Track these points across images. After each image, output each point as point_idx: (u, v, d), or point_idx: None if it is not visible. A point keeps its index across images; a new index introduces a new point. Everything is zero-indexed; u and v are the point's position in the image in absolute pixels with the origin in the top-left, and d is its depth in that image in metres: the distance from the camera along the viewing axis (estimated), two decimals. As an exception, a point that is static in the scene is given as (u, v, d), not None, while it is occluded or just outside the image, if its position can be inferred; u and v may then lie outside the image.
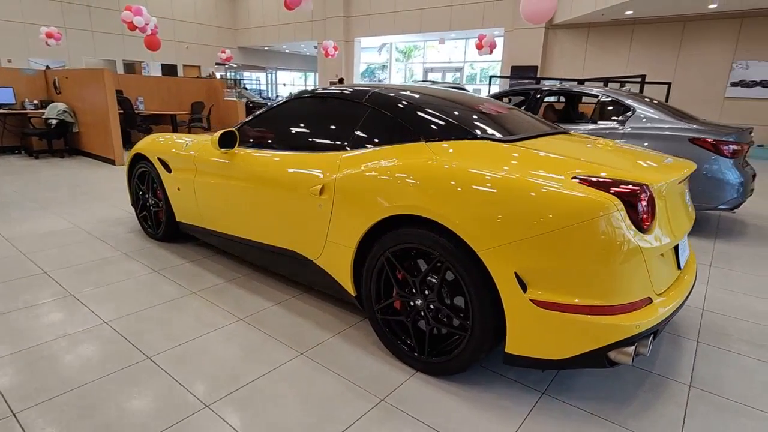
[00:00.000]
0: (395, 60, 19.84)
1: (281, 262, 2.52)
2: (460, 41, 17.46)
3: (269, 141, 2.57)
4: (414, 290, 1.93)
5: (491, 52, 13.30)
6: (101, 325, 2.23)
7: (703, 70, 11.42)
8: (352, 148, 2.19)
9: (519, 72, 13.92)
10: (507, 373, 1.96)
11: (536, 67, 13.63)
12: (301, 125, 2.49)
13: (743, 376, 2.00)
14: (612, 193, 1.54)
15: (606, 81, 8.43)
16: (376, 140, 2.13)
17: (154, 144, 3.26)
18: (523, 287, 1.60)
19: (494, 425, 1.65)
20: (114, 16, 17.33)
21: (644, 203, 1.55)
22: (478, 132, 1.98)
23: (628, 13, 11.17)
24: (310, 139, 2.40)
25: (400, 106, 2.15)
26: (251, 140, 2.66)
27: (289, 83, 26.40)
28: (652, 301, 1.65)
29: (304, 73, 26.92)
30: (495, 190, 1.63)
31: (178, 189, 3.05)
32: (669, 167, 1.86)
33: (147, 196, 3.46)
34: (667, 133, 4.01)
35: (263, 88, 24.59)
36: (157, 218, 3.43)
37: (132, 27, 10.94)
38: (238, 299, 2.56)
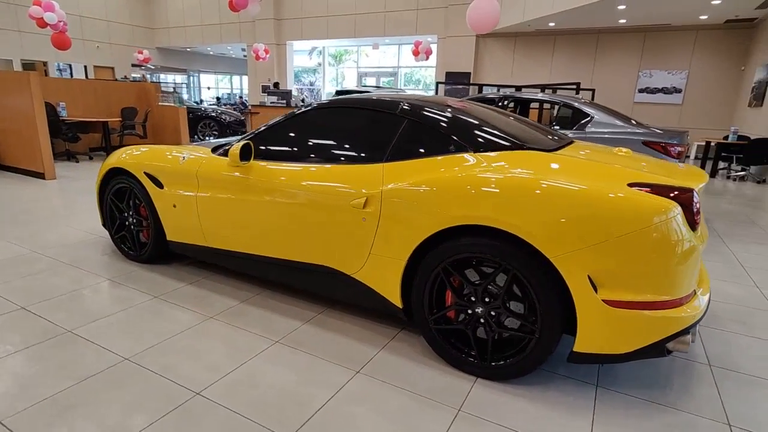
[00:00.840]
0: (328, 64, 19.71)
1: (311, 278, 2.43)
2: (393, 46, 17.78)
3: (292, 153, 2.47)
4: (473, 298, 1.97)
5: (427, 58, 13.72)
6: (123, 363, 2.00)
7: (615, 77, 12.71)
8: (391, 159, 2.18)
9: (454, 78, 14.50)
10: (557, 370, 2.07)
11: (469, 73, 14.29)
12: (328, 136, 2.42)
13: (747, 352, 2.29)
14: (670, 198, 1.70)
15: (542, 87, 9.09)
16: (416, 151, 2.14)
17: (137, 157, 2.98)
18: (594, 288, 1.71)
19: (569, 421, 1.74)
20: (8, 10, 15.41)
21: (696, 205, 1.73)
22: (520, 142, 2.07)
23: (551, 24, 12.12)
24: (341, 151, 2.34)
25: (441, 118, 2.18)
26: (269, 153, 2.53)
27: (213, 87, 25.16)
28: (696, 294, 1.84)
29: (229, 76, 25.82)
30: (566, 199, 1.72)
31: (174, 206, 2.82)
32: (692, 174, 2.08)
33: (127, 214, 3.15)
34: (623, 137, 4.44)
35: (184, 91, 23.19)
36: (139, 238, 3.14)
37: (42, 24, 9.80)
38: (264, 321, 2.42)
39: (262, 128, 2.64)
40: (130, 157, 3.02)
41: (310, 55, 22.82)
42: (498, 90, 10.43)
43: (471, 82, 14.28)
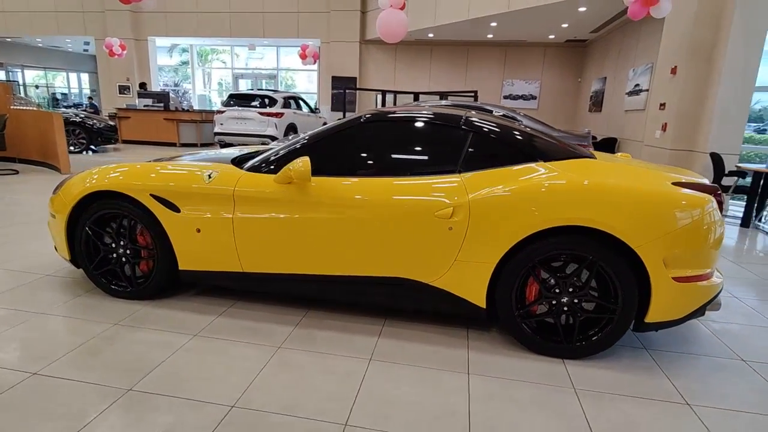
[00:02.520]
0: (197, 64, 18.19)
1: (379, 291, 2.43)
2: (272, 48, 17.22)
3: (354, 166, 2.42)
4: (558, 290, 2.24)
5: (315, 62, 13.69)
6: (235, 411, 1.78)
7: (484, 85, 14.34)
8: (465, 170, 2.32)
9: (340, 82, 14.70)
10: (622, 342, 2.44)
11: (355, 78, 14.65)
12: (390, 148, 2.44)
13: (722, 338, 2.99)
14: (707, 192, 2.19)
15: (441, 95, 9.87)
16: (488, 162, 2.32)
17: (137, 177, 2.55)
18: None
19: (650, 379, 2.12)
20: None
21: (720, 197, 2.25)
22: (572, 151, 2.40)
23: (430, 35, 13.16)
24: (409, 164, 2.39)
25: (504, 130, 2.39)
26: (326, 167, 2.43)
27: (43, 85, 21.16)
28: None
29: (65, 72, 21.97)
30: (644, 198, 2.09)
31: (198, 231, 2.50)
32: (690, 172, 2.64)
33: (116, 245, 2.67)
34: (549, 140, 5.20)
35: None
36: (134, 272, 2.69)
37: None
38: (339, 341, 2.34)
39: (305, 141, 2.52)
40: (125, 177, 2.57)
41: (171, 52, 20.77)
42: (417, 98, 10.85)
43: (357, 86, 14.66)
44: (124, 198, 2.58)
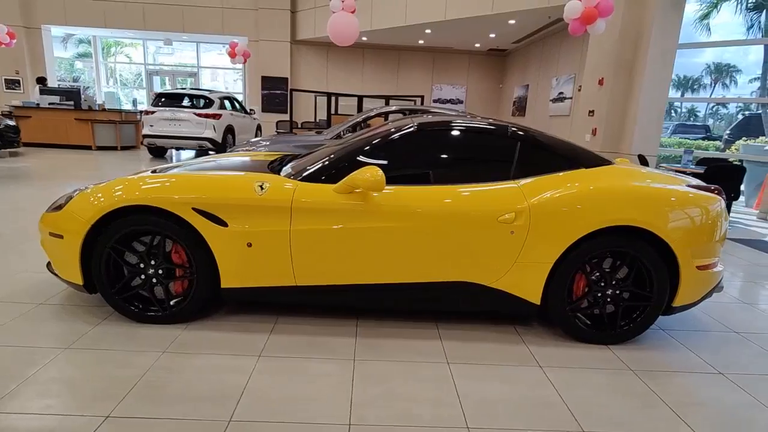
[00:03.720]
0: (101, 58, 16.41)
1: (437, 296, 2.49)
2: (191, 44, 16.12)
3: (408, 175, 2.46)
4: (603, 283, 2.49)
5: (245, 62, 13.11)
6: (356, 429, 1.75)
7: (414, 89, 14.82)
8: (517, 177, 2.48)
9: (271, 83, 14.26)
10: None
11: (287, 78, 14.31)
12: (445, 157, 2.53)
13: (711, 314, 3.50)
14: (716, 193, 2.58)
15: (387, 99, 10.04)
16: (538, 169, 2.51)
17: (178, 190, 2.34)
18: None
19: (693, 356, 2.46)
20: None
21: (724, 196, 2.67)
22: (602, 158, 2.68)
23: (364, 38, 13.30)
24: (463, 171, 2.49)
25: (548, 140, 2.60)
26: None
27: None
28: (712, 254, 2.81)
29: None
30: (675, 200, 2.41)
31: (249, 245, 2.36)
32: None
33: (145, 265, 2.42)
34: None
35: None
36: (161, 293, 2.46)
37: None
38: (407, 348, 2.37)
39: (352, 148, 2.51)
40: (162, 190, 2.34)
41: (65, 43, 18.55)
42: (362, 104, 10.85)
43: (290, 87, 14.32)
44: (157, 213, 2.34)
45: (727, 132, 11.25)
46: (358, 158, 2.50)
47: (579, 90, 9.56)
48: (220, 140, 9.52)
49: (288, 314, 2.68)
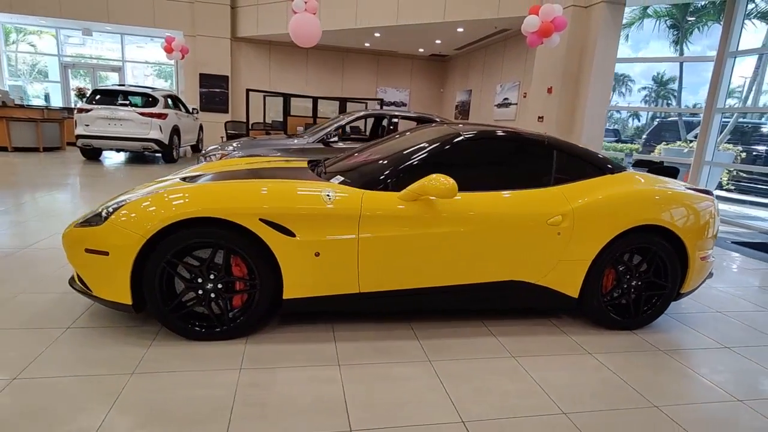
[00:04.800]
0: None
1: (488, 296, 2.65)
2: (115, 35, 14.81)
3: (463, 182, 2.57)
4: (628, 276, 2.80)
5: (183, 58, 12.35)
6: (472, 427, 1.84)
7: (359, 91, 14.92)
8: (557, 183, 2.72)
9: (210, 81, 13.57)
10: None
11: (227, 76, 13.70)
12: (493, 165, 2.69)
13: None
14: (709, 194, 3.01)
15: (343, 100, 9.99)
16: (573, 176, 2.76)
17: (245, 200, 2.25)
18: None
19: (700, 335, 2.85)
20: None
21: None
22: (620, 165, 3.00)
23: (310, 39, 13.11)
24: (509, 178, 2.67)
25: (578, 149, 2.86)
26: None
27: None
28: (699, 247, 3.27)
29: None
30: (686, 201, 2.78)
31: (317, 254, 2.34)
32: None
33: (203, 279, 2.30)
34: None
35: None
36: (223, 307, 2.36)
37: None
38: (471, 346, 2.49)
39: (408, 156, 2.59)
40: (227, 201, 2.24)
41: (-47, 28, 16.16)
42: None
43: (229, 85, 13.72)
44: (219, 224, 2.24)
45: (644, 137, 12.73)
46: (417, 166, 2.57)
47: (524, 96, 10.29)
48: (167, 141, 8.92)
49: (342, 321, 2.68)
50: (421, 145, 2.70)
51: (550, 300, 2.74)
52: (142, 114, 8.63)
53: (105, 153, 10.18)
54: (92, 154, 9.31)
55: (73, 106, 13.51)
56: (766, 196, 8.43)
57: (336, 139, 5.47)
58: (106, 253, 2.23)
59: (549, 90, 8.12)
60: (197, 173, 2.90)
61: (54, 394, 1.85)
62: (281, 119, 9.77)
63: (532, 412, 1.96)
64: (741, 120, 10.02)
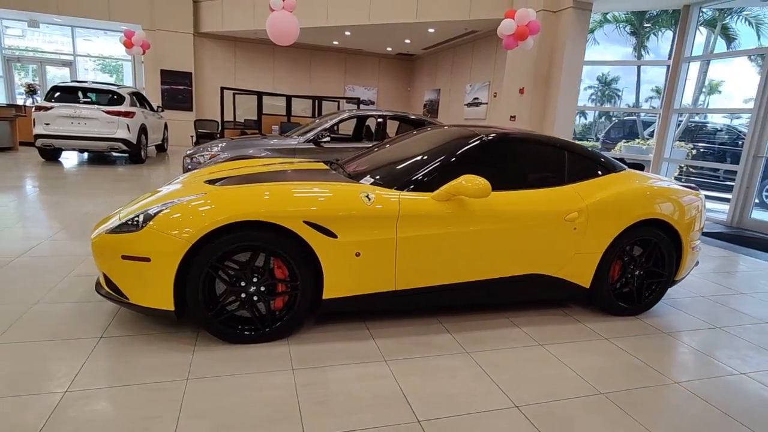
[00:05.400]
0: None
1: (512, 289, 2.81)
2: (65, 28, 13.93)
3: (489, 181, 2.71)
4: (632, 266, 3.05)
5: (144, 53, 11.83)
6: (527, 411, 1.98)
7: (328, 89, 14.85)
8: (570, 182, 2.91)
9: (172, 78, 13.07)
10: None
11: (190, 73, 13.25)
12: (514, 165, 2.85)
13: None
14: (697, 191, 3.31)
15: (316, 99, 9.94)
16: (583, 175, 2.96)
17: (289, 203, 2.27)
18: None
19: (693, 318, 3.15)
20: None
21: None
22: (622, 164, 3.24)
23: (277, 36, 12.90)
24: (528, 177, 2.84)
25: (587, 151, 3.07)
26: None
27: None
28: (685, 237, 3.58)
29: None
30: (680, 196, 3.06)
31: (357, 255, 2.40)
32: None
33: (246, 283, 2.30)
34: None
35: None
36: (265, 309, 2.37)
37: None
38: (499, 338, 2.64)
39: (436, 157, 2.69)
40: (273, 204, 2.25)
41: None
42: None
43: (193, 82, 13.27)
44: (260, 227, 2.26)
45: (602, 135, 13.47)
46: (447, 167, 2.68)
47: (495, 96, 10.64)
48: (135, 141, 8.55)
49: (371, 319, 2.75)
50: (445, 146, 2.81)
51: (564, 291, 2.93)
52: (108, 112, 8.22)
53: (65, 153, 9.60)
54: (51, 155, 8.77)
55: (21, 103, 12.60)
56: (713, 189, 9.19)
57: (328, 139, 5.49)
58: (147, 260, 2.19)
59: (521, 90, 8.47)
60: (217, 176, 2.87)
61: (117, 404, 1.81)
62: (253, 118, 9.60)
63: (574, 395, 2.12)
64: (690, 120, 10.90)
